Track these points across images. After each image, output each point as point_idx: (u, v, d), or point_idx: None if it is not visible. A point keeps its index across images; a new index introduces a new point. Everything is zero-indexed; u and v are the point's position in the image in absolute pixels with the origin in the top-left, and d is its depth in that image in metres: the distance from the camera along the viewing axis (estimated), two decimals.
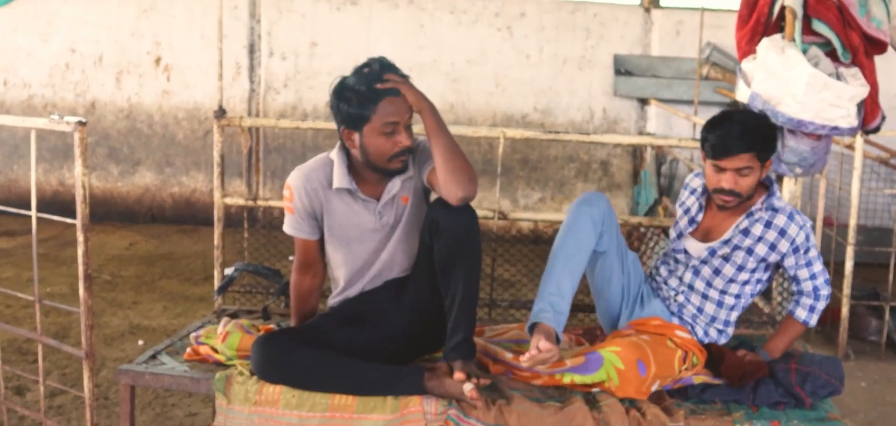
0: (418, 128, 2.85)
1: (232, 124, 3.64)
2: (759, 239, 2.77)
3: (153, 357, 2.83)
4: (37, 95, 7.84)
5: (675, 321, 2.86)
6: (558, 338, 2.58)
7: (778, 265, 2.86)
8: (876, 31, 3.05)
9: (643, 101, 7.80)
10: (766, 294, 3.75)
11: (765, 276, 2.88)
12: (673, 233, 2.95)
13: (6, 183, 7.94)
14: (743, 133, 2.66)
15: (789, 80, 2.91)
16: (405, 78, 2.57)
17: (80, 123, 2.47)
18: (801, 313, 2.85)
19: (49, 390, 3.72)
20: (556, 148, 7.87)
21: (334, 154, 2.68)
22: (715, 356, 2.77)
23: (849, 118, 2.96)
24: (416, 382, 2.49)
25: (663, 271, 2.95)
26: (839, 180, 5.12)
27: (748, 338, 3.12)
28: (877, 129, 3.17)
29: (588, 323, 3.90)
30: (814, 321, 2.85)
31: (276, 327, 2.95)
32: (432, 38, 7.76)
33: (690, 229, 2.89)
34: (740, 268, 2.81)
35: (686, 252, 2.88)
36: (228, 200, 3.68)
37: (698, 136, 3.02)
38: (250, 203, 3.77)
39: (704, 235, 2.87)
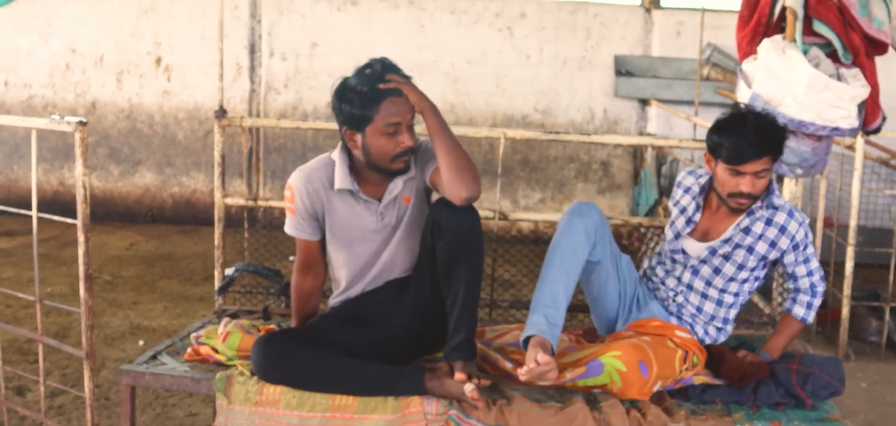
0: (420, 128, 2.85)
1: (232, 124, 3.64)
2: (760, 237, 2.77)
3: (154, 357, 2.83)
4: (37, 95, 7.84)
5: (674, 321, 2.85)
6: (553, 350, 2.57)
7: (775, 262, 2.86)
8: (877, 32, 3.05)
9: (644, 102, 7.80)
10: (767, 294, 3.74)
11: (763, 274, 2.88)
12: (670, 234, 2.93)
13: (7, 183, 7.94)
14: (761, 137, 2.65)
15: (790, 81, 2.92)
16: (407, 78, 2.57)
17: (81, 123, 2.47)
18: (798, 310, 2.86)
19: (49, 390, 3.72)
20: (556, 148, 7.87)
21: (336, 154, 2.68)
22: (715, 357, 2.77)
23: (849, 119, 2.96)
24: (416, 382, 2.49)
25: (660, 272, 2.94)
26: (840, 181, 5.12)
27: (748, 338, 3.12)
28: (877, 130, 3.18)
29: (588, 323, 3.89)
30: (811, 318, 2.86)
31: (277, 327, 2.94)
32: (432, 38, 7.76)
33: (688, 229, 2.88)
34: (741, 267, 2.81)
35: (684, 252, 2.87)
36: (229, 200, 3.68)
37: (699, 136, 3.02)
38: (251, 203, 3.77)
39: (703, 235, 2.86)
